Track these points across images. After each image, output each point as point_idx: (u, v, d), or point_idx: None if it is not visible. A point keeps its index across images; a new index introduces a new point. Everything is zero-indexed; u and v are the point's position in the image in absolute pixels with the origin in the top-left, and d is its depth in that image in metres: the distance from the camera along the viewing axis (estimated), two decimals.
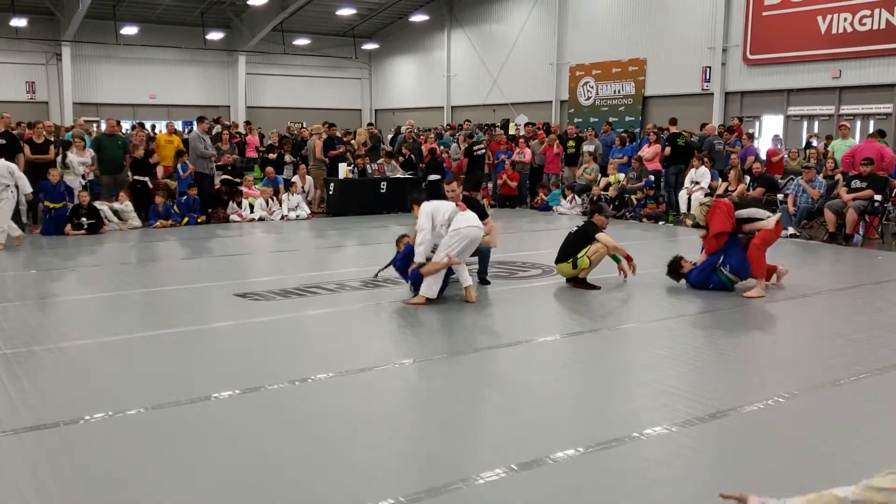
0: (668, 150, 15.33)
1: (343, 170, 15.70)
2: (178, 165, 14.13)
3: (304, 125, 23.65)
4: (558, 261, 8.52)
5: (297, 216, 14.67)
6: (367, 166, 16.04)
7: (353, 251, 11.69)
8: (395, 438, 4.30)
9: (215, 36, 32.73)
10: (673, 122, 16.00)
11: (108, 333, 6.54)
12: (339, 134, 18.19)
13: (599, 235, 8.38)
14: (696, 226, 10.44)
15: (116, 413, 4.54)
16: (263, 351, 6.19)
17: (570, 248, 8.44)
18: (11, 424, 4.35)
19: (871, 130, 15.59)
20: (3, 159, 10.73)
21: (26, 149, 12.70)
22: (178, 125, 29.24)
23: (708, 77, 22.71)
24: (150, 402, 4.72)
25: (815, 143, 17.91)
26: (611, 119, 23.08)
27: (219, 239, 12.43)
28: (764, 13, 21.17)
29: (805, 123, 21.40)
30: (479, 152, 16.26)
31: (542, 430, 4.38)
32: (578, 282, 8.40)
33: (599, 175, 16.33)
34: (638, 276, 8.55)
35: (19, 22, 28.23)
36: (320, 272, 9.33)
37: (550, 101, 27.94)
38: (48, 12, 28.84)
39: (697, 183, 14.47)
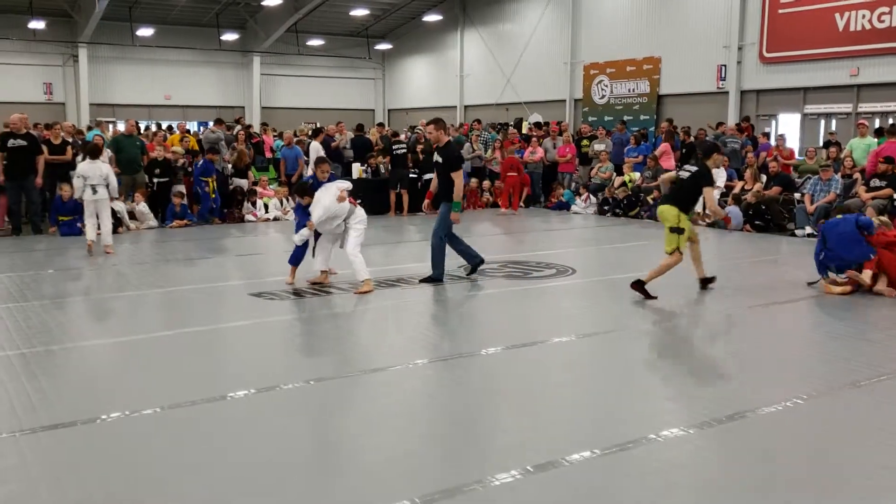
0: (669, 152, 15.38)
1: (356, 170, 15.72)
2: (197, 163, 14.20)
3: (318, 125, 23.73)
4: (665, 202, 8.02)
5: None
6: (381, 166, 16.06)
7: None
8: (409, 439, 4.29)
9: (230, 37, 32.85)
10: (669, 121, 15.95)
11: (124, 333, 6.58)
12: (349, 133, 18.23)
13: (706, 190, 7.93)
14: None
15: (132, 412, 4.56)
16: (278, 351, 6.21)
17: (685, 194, 7.93)
18: (30, 423, 4.38)
19: (888, 128, 15.40)
20: (98, 161, 10.79)
21: (45, 150, 12.79)
22: (193, 126, 29.41)
23: (723, 75, 22.53)
24: (166, 402, 4.74)
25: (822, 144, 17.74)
26: (625, 118, 22.96)
27: (234, 239, 12.48)
28: (780, 11, 20.99)
29: (822, 122, 21.21)
30: (398, 151, 15.95)
31: (558, 432, 4.36)
32: (638, 285, 7.85)
33: (614, 174, 16.28)
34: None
35: (37, 24, 28.46)
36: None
37: (564, 100, 27.83)
38: (65, 14, 29.05)
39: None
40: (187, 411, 4.64)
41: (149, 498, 3.55)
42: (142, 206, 13.30)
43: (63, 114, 29.74)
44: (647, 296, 7.72)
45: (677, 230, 7.78)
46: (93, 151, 10.96)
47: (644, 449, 4.11)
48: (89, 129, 17.35)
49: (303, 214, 8.22)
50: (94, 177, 10.43)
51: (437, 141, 8.59)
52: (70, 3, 28.47)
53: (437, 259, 8.62)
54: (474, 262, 8.86)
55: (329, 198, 7.80)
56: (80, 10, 28.46)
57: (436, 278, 8.58)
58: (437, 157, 8.62)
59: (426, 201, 9.17)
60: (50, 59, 30.60)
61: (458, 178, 8.41)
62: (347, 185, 8.15)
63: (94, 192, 10.38)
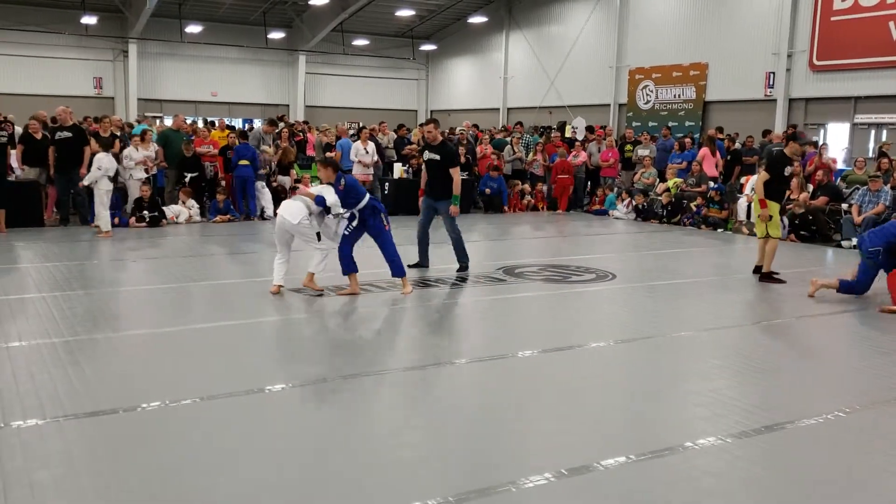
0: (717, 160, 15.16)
1: (398, 170, 15.78)
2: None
3: (360, 125, 23.88)
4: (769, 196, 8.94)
5: None
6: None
7: (401, 251, 11.68)
8: (444, 438, 4.29)
9: (276, 35, 33.23)
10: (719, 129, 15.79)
11: (166, 324, 6.70)
12: (392, 133, 18.30)
13: (757, 185, 9.08)
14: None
15: (172, 402, 4.64)
16: (314, 346, 6.27)
17: (781, 185, 9.02)
18: (73, 409, 4.48)
19: None
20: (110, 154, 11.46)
21: (92, 142, 13.08)
22: (238, 122, 29.80)
23: (771, 83, 22.18)
24: (205, 393, 4.81)
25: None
26: (670, 124, 22.72)
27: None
28: (832, 18, 20.59)
29: (872, 132, 20.75)
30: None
31: (592, 436, 4.33)
32: (766, 277, 8.99)
33: (657, 179, 16.12)
34: (693, 284, 8.41)
35: (89, 19, 29.12)
36: (371, 270, 9.38)
37: (609, 105, 27.65)
38: (116, 10, 29.68)
39: None
40: (225, 402, 4.70)
41: (185, 487, 3.61)
42: (191, 201, 13.56)
43: (112, 108, 30.39)
44: (778, 281, 8.91)
45: (770, 241, 8.96)
46: (107, 144, 11.60)
47: (680, 456, 4.06)
48: (138, 122, 17.67)
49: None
50: (111, 168, 11.20)
51: (434, 140, 9.00)
52: (122, 0, 29.08)
53: (460, 250, 9.15)
54: (423, 263, 9.32)
55: (332, 196, 7.73)
56: (131, 6, 29.06)
57: (464, 267, 9.17)
58: (432, 156, 8.98)
59: (421, 199, 9.47)
60: (101, 54, 31.29)
61: (456, 173, 8.88)
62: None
63: (111, 182, 10.95)
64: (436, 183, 9.03)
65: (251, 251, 10.94)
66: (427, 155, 9.10)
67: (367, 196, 7.82)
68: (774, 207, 8.94)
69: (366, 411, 4.70)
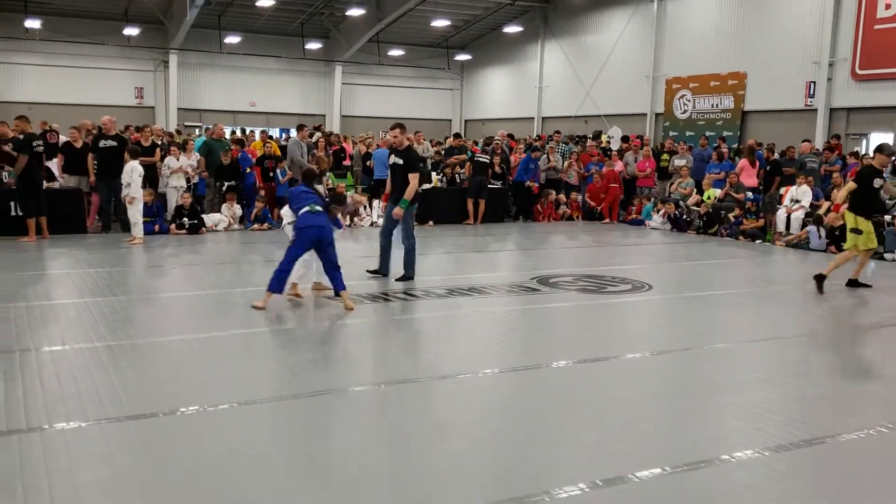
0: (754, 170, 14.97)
1: (433, 178, 15.84)
2: (277, 171, 14.53)
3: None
4: (849, 208, 9.10)
5: (356, 223, 14.79)
6: (456, 176, 16.13)
7: (435, 259, 11.73)
8: (478, 447, 4.30)
9: (314, 46, 33.60)
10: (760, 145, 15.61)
11: (204, 329, 6.80)
12: (427, 143, 18.36)
13: (841, 193, 9.33)
14: None
15: (210, 406, 4.71)
16: (350, 354, 6.32)
17: (853, 198, 9.01)
18: (115, 412, 4.58)
19: None
20: (135, 161, 11.68)
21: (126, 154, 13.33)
22: (275, 132, 30.17)
23: (812, 92, 21.84)
24: (242, 398, 4.88)
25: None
26: (707, 133, 22.47)
27: None
28: (876, 27, 20.24)
29: None
30: (481, 160, 15.99)
31: (627, 447, 4.30)
32: (854, 283, 9.17)
33: (694, 190, 15.97)
34: (731, 295, 8.31)
35: (131, 31, 29.76)
36: (365, 279, 9.43)
37: (645, 114, 27.46)
38: (158, 22, 30.27)
39: (798, 201, 13.94)
40: (262, 408, 4.76)
41: (224, 490, 3.66)
42: (236, 208, 13.79)
43: (152, 117, 30.95)
44: (864, 285, 9.17)
45: (856, 231, 8.95)
46: (135, 152, 11.96)
47: (716, 469, 4.01)
48: (187, 135, 17.90)
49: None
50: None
51: (400, 144, 9.09)
52: (163, 11, 29.64)
53: (409, 260, 9.12)
54: (382, 271, 9.27)
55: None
56: (172, 17, 29.61)
57: (407, 278, 9.04)
58: (396, 160, 9.08)
59: (382, 203, 9.50)
60: (142, 64, 31.93)
61: (414, 179, 8.91)
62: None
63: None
64: (397, 187, 9.08)
65: None
66: (392, 159, 9.18)
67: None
68: (865, 223, 8.86)
69: (400, 419, 4.72)
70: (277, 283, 7.38)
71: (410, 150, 9.30)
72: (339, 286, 7.50)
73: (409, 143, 9.30)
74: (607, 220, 16.59)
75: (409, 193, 8.89)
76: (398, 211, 8.92)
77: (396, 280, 8.98)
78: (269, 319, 7.18)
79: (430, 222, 15.12)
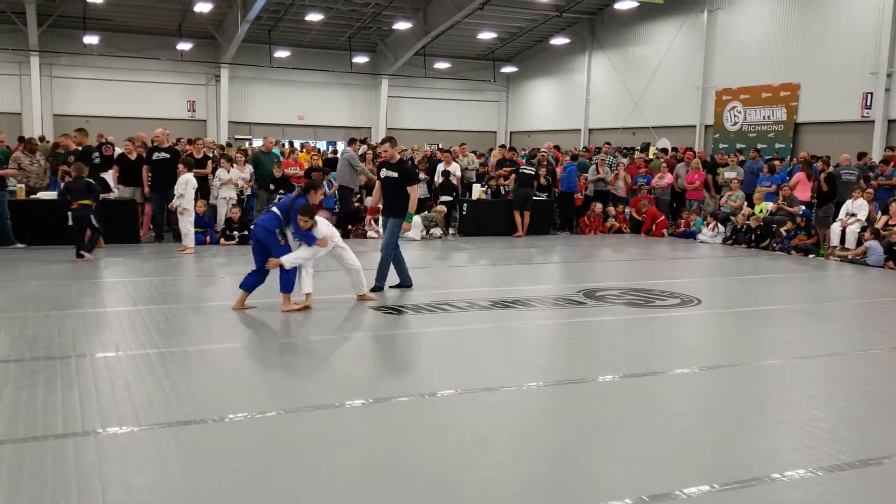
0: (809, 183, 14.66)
1: (476, 190, 15.86)
2: (324, 182, 14.71)
3: (440, 146, 24.17)
4: None
5: (431, 234, 14.89)
6: (501, 187, 16.12)
7: (479, 270, 11.73)
8: (522, 459, 4.27)
9: (361, 59, 34.01)
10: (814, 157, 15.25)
11: (252, 337, 6.90)
12: (472, 155, 18.40)
13: None
14: None
15: (257, 413, 4.77)
16: (394, 363, 6.34)
17: None
18: (166, 418, 4.67)
19: None
20: (191, 174, 12.09)
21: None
22: (323, 145, 30.54)
23: (869, 103, 21.33)
24: (289, 406, 4.93)
25: None
26: (759, 146, 22.10)
27: (357, 254, 12.80)
28: None
29: None
30: (525, 171, 15.91)
31: (675, 463, 4.23)
32: None
33: (745, 203, 15.71)
34: (783, 311, 8.13)
35: (184, 45, 30.51)
36: (449, 290, 9.45)
37: (694, 126, 27.13)
38: (210, 37, 30.98)
39: (853, 215, 13.60)
40: (307, 416, 4.81)
41: (273, 497, 3.70)
42: None
43: (204, 130, 31.65)
44: None
45: None
46: (189, 164, 12.29)
47: (767, 488, 3.93)
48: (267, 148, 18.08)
49: (304, 236, 7.97)
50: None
51: (392, 158, 9.12)
52: (215, 27, 30.32)
53: (383, 270, 9.15)
54: (405, 283, 9.30)
55: (325, 225, 8.04)
56: (224, 32, 30.27)
57: (378, 288, 9.01)
58: (389, 173, 9.07)
59: (368, 217, 9.43)
60: (194, 78, 32.69)
61: (414, 192, 9.03)
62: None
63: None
64: (388, 201, 9.10)
65: (335, 268, 11.14)
66: (384, 173, 9.14)
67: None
68: None
69: (445, 431, 4.72)
70: (286, 284, 7.87)
71: (403, 163, 9.44)
72: (282, 288, 7.91)
73: (400, 157, 9.38)
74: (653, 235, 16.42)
75: (413, 206, 9.07)
76: (407, 225, 9.08)
77: (370, 290, 8.79)
78: (319, 328, 7.25)
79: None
